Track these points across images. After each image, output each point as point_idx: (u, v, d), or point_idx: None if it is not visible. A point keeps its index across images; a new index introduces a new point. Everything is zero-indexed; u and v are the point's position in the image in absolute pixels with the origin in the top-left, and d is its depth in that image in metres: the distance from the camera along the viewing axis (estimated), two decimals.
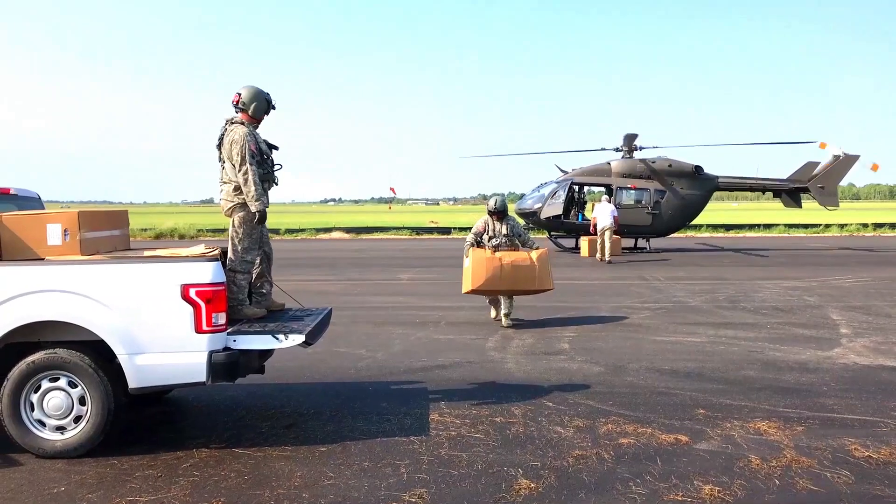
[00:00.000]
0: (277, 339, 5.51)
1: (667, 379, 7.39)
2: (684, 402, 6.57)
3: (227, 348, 5.37)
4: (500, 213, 10.60)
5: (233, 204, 6.08)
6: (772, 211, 65.11)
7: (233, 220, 6.11)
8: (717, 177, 26.24)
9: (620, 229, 24.24)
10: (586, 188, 27.14)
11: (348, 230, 41.27)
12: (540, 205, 25.36)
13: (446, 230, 40.47)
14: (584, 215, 26.10)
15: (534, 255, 10.25)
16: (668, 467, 4.98)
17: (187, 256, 5.55)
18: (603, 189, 26.23)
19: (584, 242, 23.55)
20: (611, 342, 9.33)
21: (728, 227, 41.43)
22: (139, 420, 6.15)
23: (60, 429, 5.26)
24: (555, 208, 25.10)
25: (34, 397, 5.25)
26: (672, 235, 27.85)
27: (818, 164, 26.61)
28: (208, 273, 5.23)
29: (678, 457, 5.19)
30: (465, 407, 6.45)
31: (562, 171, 26.80)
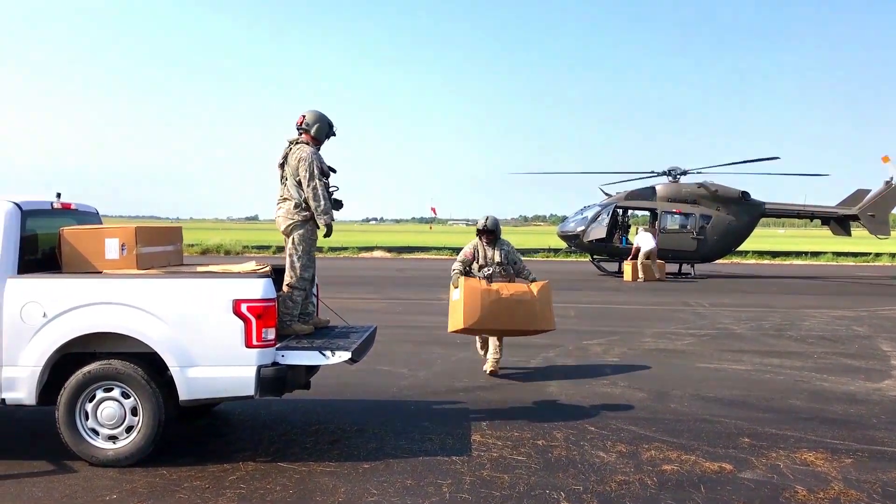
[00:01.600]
0: (324, 355, 5.60)
1: (711, 406, 7.33)
2: (729, 430, 6.51)
3: (275, 363, 5.47)
4: (490, 235, 8.70)
5: (292, 222, 6.22)
6: (818, 238, 63.95)
7: (292, 238, 6.25)
8: (764, 203, 25.92)
9: (665, 254, 24.09)
10: (630, 212, 26.97)
11: (390, 249, 41.54)
12: (583, 227, 25.27)
13: None
14: (627, 239, 25.94)
15: (535, 287, 8.41)
16: (712, 495, 4.95)
17: (239, 273, 5.69)
18: (647, 213, 26.07)
19: (627, 267, 23.43)
20: (655, 368, 9.26)
21: (774, 255, 40.75)
22: (187, 432, 6.27)
23: (113, 438, 5.41)
24: (598, 231, 24.98)
25: (89, 406, 5.41)
26: (717, 261, 27.50)
27: (869, 191, 26.14)
28: (259, 289, 5.36)
29: (722, 485, 5.14)
30: (506, 429, 6.46)
31: (606, 194, 26.71)
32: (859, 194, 26.24)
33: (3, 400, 5.37)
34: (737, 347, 10.87)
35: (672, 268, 25.59)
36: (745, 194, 25.39)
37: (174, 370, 5.32)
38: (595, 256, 26.49)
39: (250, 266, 6.30)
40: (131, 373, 5.35)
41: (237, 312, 5.31)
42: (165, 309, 5.32)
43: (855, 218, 25.80)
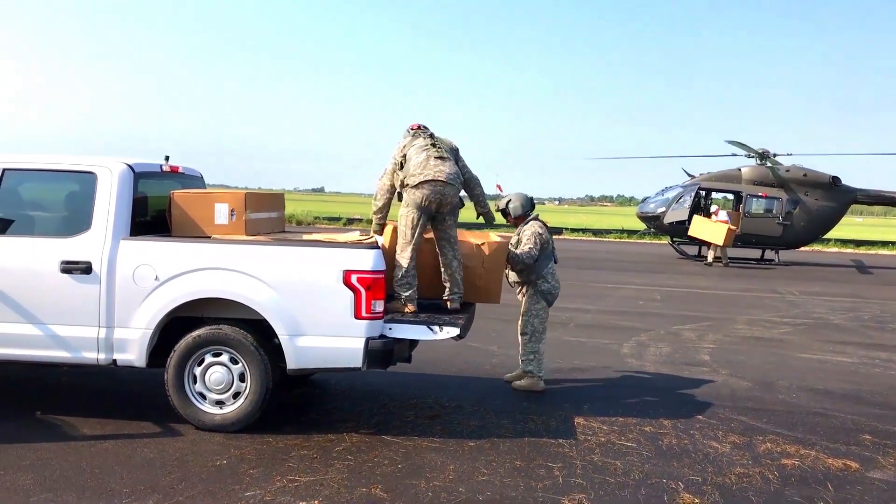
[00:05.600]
0: (432, 329, 5.48)
1: (822, 399, 6.99)
2: (846, 425, 6.18)
3: (382, 336, 5.38)
4: (506, 217, 7.32)
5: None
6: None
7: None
8: (857, 189, 24.86)
9: (748, 239, 23.39)
10: (714, 194, 26.17)
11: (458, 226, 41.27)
12: (664, 209, 24.63)
13: (557, 230, 39.95)
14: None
15: (486, 247, 6.35)
16: (842, 494, 4.68)
17: (350, 243, 5.60)
18: (731, 196, 25.29)
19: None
20: (754, 357, 8.91)
21: (858, 243, 39.19)
22: (286, 400, 6.25)
23: (220, 403, 5.41)
24: (679, 213, 24.27)
25: (197, 370, 5.41)
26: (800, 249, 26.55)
27: None
28: (370, 260, 5.25)
29: (851, 484, 4.86)
30: (609, 413, 6.26)
31: (689, 174, 25.97)
32: None
33: (115, 361, 5.41)
34: (838, 339, 10.40)
35: (755, 253, 24.82)
36: (835, 179, 24.38)
37: (283, 338, 5.27)
38: (675, 239, 25.85)
39: (355, 236, 6.22)
40: (241, 339, 5.32)
41: (347, 283, 5.22)
42: (276, 276, 5.26)
43: None
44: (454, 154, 6.15)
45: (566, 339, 9.51)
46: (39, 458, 4.76)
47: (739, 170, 25.03)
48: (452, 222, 6.10)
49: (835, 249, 35.64)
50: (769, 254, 24.95)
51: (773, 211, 24.33)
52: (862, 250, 36.78)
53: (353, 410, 6.08)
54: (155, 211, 5.91)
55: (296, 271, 5.29)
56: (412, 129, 6.16)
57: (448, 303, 6.12)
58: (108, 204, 5.43)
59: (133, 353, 5.38)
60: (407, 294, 5.84)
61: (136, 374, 6.60)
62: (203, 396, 5.42)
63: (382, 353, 5.32)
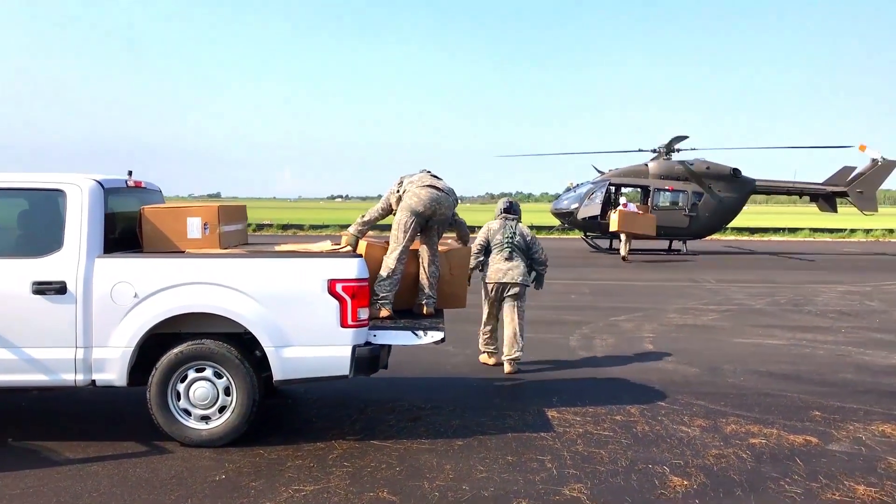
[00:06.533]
0: (417, 335, 5.60)
1: (767, 381, 7.45)
2: (795, 403, 6.63)
3: (368, 343, 5.45)
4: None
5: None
6: (792, 215, 64.84)
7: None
8: (755, 180, 26.21)
9: (657, 231, 24.29)
10: (623, 189, 27.07)
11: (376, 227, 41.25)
12: (577, 205, 25.32)
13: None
14: None
15: (449, 258, 6.63)
16: (812, 468, 5.05)
17: (333, 252, 5.65)
18: (639, 190, 26.22)
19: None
20: (693, 343, 9.37)
21: (753, 231, 41.29)
22: (263, 412, 6.21)
23: (205, 418, 5.37)
24: (592, 209, 25.00)
25: (181, 387, 5.35)
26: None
27: (854, 168, 26.56)
28: (354, 269, 5.32)
29: (816, 458, 5.25)
30: (578, 404, 6.52)
31: (598, 171, 26.79)
32: (845, 171, 26.65)
33: (94, 381, 5.29)
34: (764, 323, 11.03)
35: (663, 244, 25.85)
36: (736, 171, 25.63)
37: (269, 350, 5.28)
38: (588, 234, 26.62)
39: (327, 245, 6.26)
40: (225, 353, 5.30)
41: (332, 292, 5.27)
42: (260, 289, 5.26)
43: (843, 195, 26.22)
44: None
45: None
46: (29, 486, 4.63)
47: (646, 165, 25.98)
48: (438, 235, 6.42)
49: (732, 237, 37.42)
50: (676, 244, 26.01)
51: (680, 203, 25.38)
52: (756, 237, 38.79)
53: (333, 417, 6.12)
54: (122, 227, 5.80)
55: (280, 283, 5.30)
56: (419, 173, 6.57)
57: (423, 308, 6.26)
58: (80, 222, 5.31)
59: (113, 372, 5.27)
60: (385, 295, 5.95)
61: (101, 393, 6.53)
62: (188, 413, 5.37)
63: (369, 359, 5.40)
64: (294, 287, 5.30)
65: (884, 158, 25.76)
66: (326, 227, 39.43)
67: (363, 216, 6.35)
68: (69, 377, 5.27)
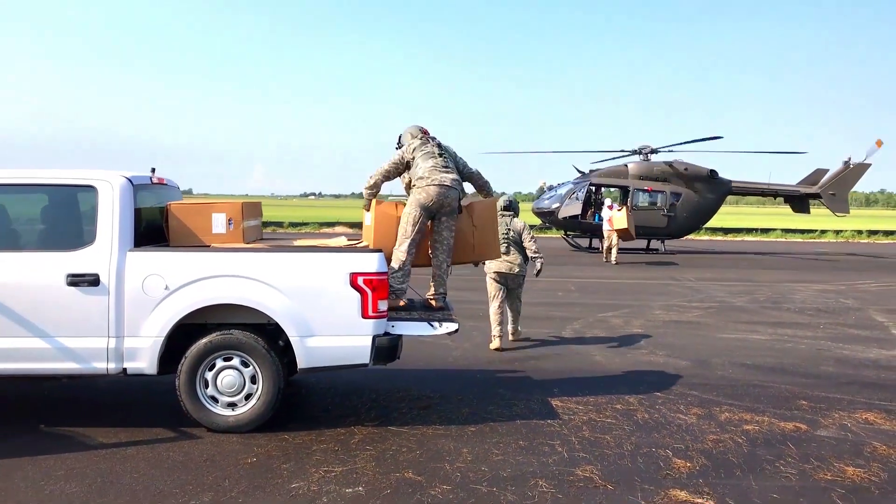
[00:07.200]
0: (432, 326, 5.90)
1: (753, 373, 7.84)
2: (782, 393, 7.02)
3: (387, 333, 5.75)
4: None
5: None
6: (762, 216, 65.97)
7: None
8: (731, 181, 26.82)
9: (636, 230, 24.75)
10: (603, 189, 27.57)
11: (352, 225, 41.61)
12: (558, 204, 25.77)
13: None
14: (600, 216, 26.55)
15: (473, 210, 6.88)
16: (803, 451, 5.42)
17: (353, 247, 5.94)
18: (619, 190, 26.71)
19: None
20: (681, 339, 9.77)
21: (726, 231, 42.12)
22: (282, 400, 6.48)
23: (232, 405, 5.63)
24: (572, 208, 25.50)
25: (209, 375, 5.61)
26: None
27: (827, 171, 27.29)
28: (374, 263, 5.61)
29: (807, 442, 5.63)
30: (579, 394, 6.85)
31: (579, 171, 27.26)
32: (818, 173, 27.38)
33: (125, 370, 5.53)
34: (745, 319, 11.48)
35: (641, 243, 26.35)
36: (713, 172, 26.22)
37: (294, 340, 5.55)
38: (569, 233, 27.07)
39: (343, 241, 6.54)
40: (252, 343, 5.57)
41: (354, 285, 5.56)
42: (287, 282, 5.53)
43: (816, 196, 26.93)
44: (454, 161, 6.66)
45: (508, 330, 10.06)
46: (72, 468, 4.87)
47: (626, 166, 26.50)
48: (449, 225, 6.55)
49: (706, 237, 38.15)
50: (654, 244, 26.57)
51: (658, 203, 25.92)
52: (730, 237, 39.58)
53: (348, 406, 6.40)
54: (148, 222, 6.03)
55: (305, 276, 5.57)
56: (421, 135, 6.64)
57: (433, 301, 6.56)
58: (112, 217, 5.54)
59: (144, 361, 5.52)
60: (400, 287, 6.26)
61: (115, 382, 6.77)
62: (215, 400, 5.63)
63: (388, 349, 5.70)
64: (319, 280, 5.58)
65: (855, 162, 26.47)
66: (306, 224, 39.67)
67: (368, 182, 6.58)
68: (101, 365, 5.51)
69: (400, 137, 6.84)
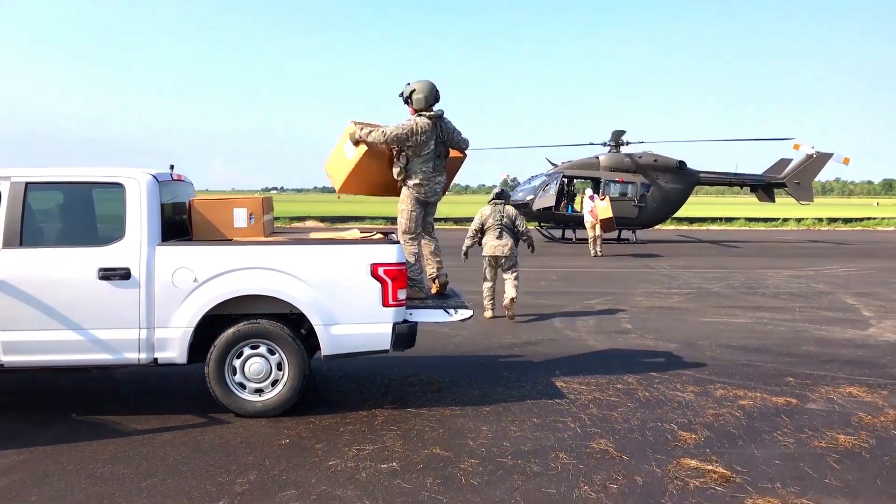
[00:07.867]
0: (449, 313, 6.23)
1: (740, 354, 8.28)
2: (770, 372, 7.46)
3: (405, 321, 6.05)
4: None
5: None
6: (725, 206, 67.22)
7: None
8: (699, 172, 27.48)
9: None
10: (576, 181, 28.08)
11: (322, 219, 41.74)
12: (532, 196, 26.20)
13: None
14: (573, 207, 27.09)
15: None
16: (797, 422, 5.84)
17: (372, 239, 6.23)
18: (590, 182, 27.21)
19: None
20: (666, 322, 10.21)
21: (692, 220, 42.98)
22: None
23: (259, 391, 5.89)
24: (546, 200, 25.94)
25: (237, 363, 5.87)
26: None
27: (791, 160, 28.07)
28: (393, 254, 5.91)
29: (799, 414, 6.05)
30: (580, 376, 7.22)
31: (552, 164, 27.72)
32: (782, 163, 28.16)
33: (156, 360, 5.77)
34: (724, 304, 11.97)
35: (612, 233, 26.88)
36: (681, 163, 26.85)
37: (318, 328, 5.83)
38: (542, 224, 27.53)
39: (356, 233, 6.83)
40: (279, 331, 5.84)
41: (375, 275, 5.85)
42: (311, 273, 5.80)
43: (782, 185, 27.70)
44: (451, 136, 6.95)
45: (500, 317, 10.43)
46: (116, 452, 5.10)
47: (597, 157, 27.00)
48: (432, 211, 7.16)
49: (672, 227, 38.89)
50: (625, 234, 27.13)
51: (629, 194, 26.48)
52: (695, 226, 40.40)
53: (365, 391, 6.70)
54: (170, 217, 6.25)
55: (328, 267, 5.85)
56: (431, 127, 6.70)
57: (437, 280, 6.92)
58: (140, 212, 5.77)
59: (174, 351, 5.76)
60: (420, 277, 6.61)
61: (133, 373, 7.00)
62: (243, 386, 5.89)
63: (407, 335, 6.00)
64: (341, 271, 5.86)
65: (817, 152, 27.27)
66: (277, 218, 39.57)
67: (365, 129, 6.62)
68: (133, 356, 5.74)
69: (412, 94, 6.79)
